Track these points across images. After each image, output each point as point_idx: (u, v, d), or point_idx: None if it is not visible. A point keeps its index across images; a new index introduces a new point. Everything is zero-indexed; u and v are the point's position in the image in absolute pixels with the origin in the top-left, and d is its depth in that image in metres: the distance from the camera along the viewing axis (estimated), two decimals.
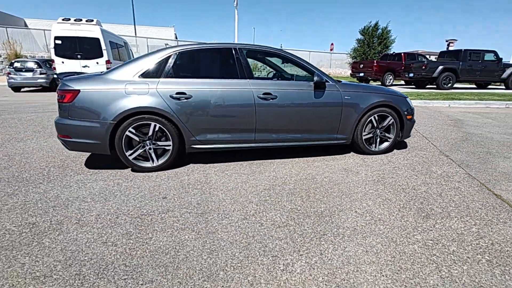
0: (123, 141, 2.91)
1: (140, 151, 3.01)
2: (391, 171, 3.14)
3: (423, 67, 12.97)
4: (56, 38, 10.08)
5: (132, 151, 2.99)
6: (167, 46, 3.54)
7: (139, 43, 22.93)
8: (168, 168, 3.13)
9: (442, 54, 14.77)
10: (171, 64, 3.04)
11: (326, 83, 3.33)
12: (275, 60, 3.84)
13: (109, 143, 2.90)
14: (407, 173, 3.09)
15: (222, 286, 1.48)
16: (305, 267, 1.63)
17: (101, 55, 10.41)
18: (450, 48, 29.85)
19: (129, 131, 2.92)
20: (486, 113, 7.50)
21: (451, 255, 1.73)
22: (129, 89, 2.88)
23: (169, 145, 3.04)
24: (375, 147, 3.71)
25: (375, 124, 3.62)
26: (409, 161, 3.51)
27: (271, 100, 3.16)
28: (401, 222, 2.10)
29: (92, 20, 10.48)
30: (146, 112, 2.91)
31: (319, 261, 1.67)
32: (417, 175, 3.04)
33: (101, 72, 3.16)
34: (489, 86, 15.90)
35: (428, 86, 14.70)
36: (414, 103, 8.24)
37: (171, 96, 2.94)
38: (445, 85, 13.05)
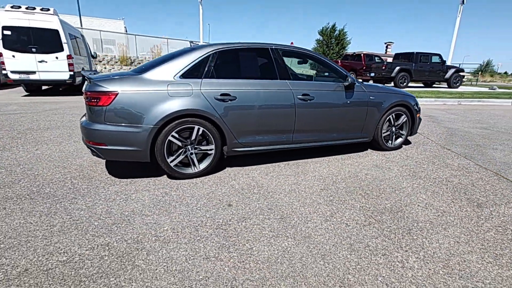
0: (165, 146, 2.69)
1: (181, 157, 2.82)
2: (416, 166, 3.42)
3: (383, 67, 14.16)
4: (4, 28, 8.70)
5: (173, 157, 2.78)
6: (196, 44, 3.32)
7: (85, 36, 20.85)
8: (208, 173, 2.98)
9: (397, 56, 16.26)
10: (212, 64, 2.89)
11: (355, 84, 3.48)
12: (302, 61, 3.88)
13: (150, 149, 2.66)
14: (431, 167, 3.39)
15: None
16: (419, 262, 1.72)
17: (61, 49, 9.26)
18: (389, 51, 32.98)
19: (172, 136, 2.71)
20: (447, 109, 8.51)
21: None
22: (172, 90, 2.67)
23: (212, 149, 2.90)
24: (391, 143, 4.00)
25: (392, 122, 3.90)
26: (423, 155, 3.86)
27: (308, 101, 3.20)
28: (463, 213, 2.32)
29: (49, 9, 9.25)
30: (191, 115, 2.73)
31: (427, 255, 1.78)
32: (440, 168, 3.37)
33: (132, 71, 2.87)
34: (433, 85, 17.99)
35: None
36: None
37: (216, 98, 2.80)
38: (402, 84, 14.41)
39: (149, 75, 2.70)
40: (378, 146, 3.95)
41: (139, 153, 2.65)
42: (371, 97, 3.60)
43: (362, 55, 17.19)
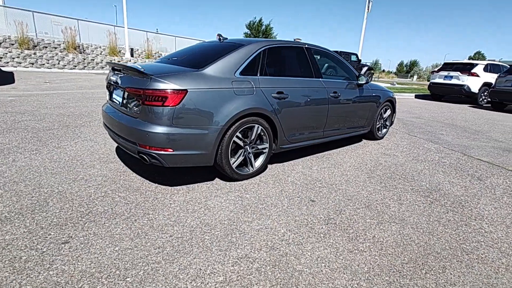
0: (230, 148, 2.55)
1: (242, 157, 2.71)
2: (411, 151, 4.13)
3: None
4: None
5: (235, 159, 2.65)
6: (248, 39, 3.10)
7: None
8: (260, 172, 2.94)
9: None
10: (264, 61, 2.83)
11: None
12: (325, 60, 4.07)
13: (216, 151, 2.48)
14: (421, 151, 4.15)
15: None
16: (489, 223, 2.23)
17: None
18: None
19: (236, 136, 2.58)
20: None
21: None
22: (237, 88, 2.53)
23: (266, 148, 2.87)
24: (381, 134, 4.66)
25: (383, 115, 4.55)
26: (404, 142, 4.65)
27: (337, 98, 3.48)
28: (477, 185, 3.01)
29: None
30: (253, 114, 2.64)
31: (489, 217, 2.31)
32: (427, 152, 4.15)
33: (189, 68, 2.56)
34: None
35: None
36: None
37: (273, 96, 2.77)
38: None
39: (210, 71, 2.48)
40: (372, 137, 4.56)
41: (205, 156, 2.44)
42: (373, 94, 4.13)
43: None
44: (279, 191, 2.60)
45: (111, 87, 2.83)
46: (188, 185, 2.60)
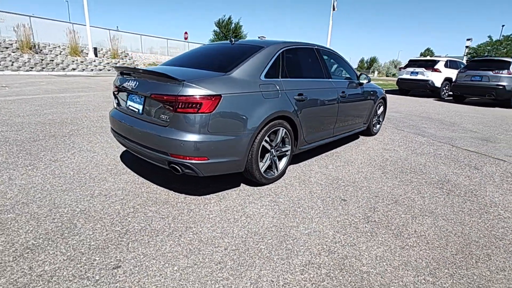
0: (259, 152, 2.50)
1: (268, 161, 2.67)
2: (407, 145, 4.37)
3: None
4: None
5: (263, 163, 2.61)
6: (264, 39, 3.02)
7: None
8: (282, 175, 2.92)
9: None
10: (284, 63, 2.80)
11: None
12: (330, 61, 4.12)
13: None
14: (416, 145, 4.41)
15: None
16: (500, 208, 2.44)
17: None
18: None
19: (265, 140, 2.54)
20: None
21: None
22: (265, 92, 2.48)
23: (288, 150, 2.86)
24: (375, 129, 4.88)
25: (377, 112, 4.76)
26: (397, 136, 4.91)
27: (345, 98, 3.57)
28: (478, 175, 3.28)
29: None
30: (280, 117, 2.61)
31: (492, 202, 2.53)
32: (422, 145, 4.42)
33: (216, 72, 2.44)
34: None
35: None
36: None
37: (295, 98, 2.77)
38: None
39: (238, 74, 2.40)
40: (368, 133, 4.75)
41: (237, 163, 2.36)
42: (371, 92, 4.30)
43: None
44: (308, 193, 2.61)
45: (122, 93, 2.63)
46: (217, 194, 2.50)
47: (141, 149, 2.35)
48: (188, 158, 2.13)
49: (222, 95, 2.16)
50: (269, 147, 2.63)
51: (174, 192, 2.48)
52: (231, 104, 2.22)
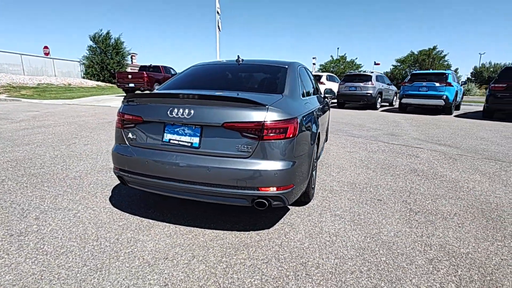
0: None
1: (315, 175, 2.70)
2: (372, 148, 5.21)
3: None
4: None
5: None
6: (278, 61, 2.86)
7: None
8: None
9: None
10: (301, 83, 2.91)
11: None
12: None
13: None
14: (364, 145, 5.31)
15: None
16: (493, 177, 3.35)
17: None
18: (134, 61, 35.52)
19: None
20: None
21: None
22: (313, 111, 2.55)
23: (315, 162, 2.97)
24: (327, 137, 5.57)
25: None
26: (350, 143, 5.76)
27: (320, 111, 3.96)
28: (458, 166, 4.30)
29: None
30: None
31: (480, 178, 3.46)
32: (383, 147, 5.37)
33: (267, 94, 2.28)
34: None
35: None
36: None
37: (316, 115, 2.92)
38: None
39: (289, 95, 2.36)
40: (325, 139, 5.38)
41: (305, 184, 2.31)
42: (325, 103, 4.92)
43: (160, 66, 17.74)
44: (347, 199, 2.80)
45: (145, 125, 2.11)
46: (283, 221, 2.35)
47: (201, 189, 1.96)
48: (281, 188, 1.95)
49: (298, 117, 2.10)
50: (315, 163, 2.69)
51: (239, 232, 2.17)
52: (302, 126, 2.17)
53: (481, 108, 11.07)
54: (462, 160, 4.39)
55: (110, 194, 2.83)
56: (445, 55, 38.82)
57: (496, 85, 9.14)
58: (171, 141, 2.06)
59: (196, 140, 2.00)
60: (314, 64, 53.87)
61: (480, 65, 56.24)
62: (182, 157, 2.01)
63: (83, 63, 22.47)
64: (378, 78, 13.12)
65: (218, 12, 23.19)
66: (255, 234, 2.15)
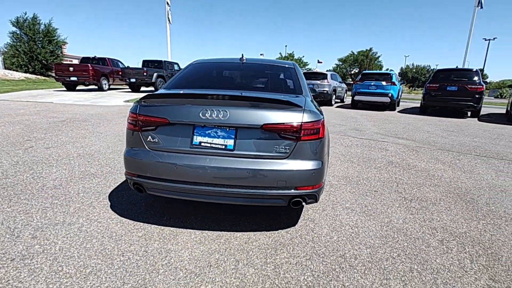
0: None
1: None
2: (337, 142, 5.55)
3: (144, 74, 14.63)
4: None
5: None
6: (281, 61, 2.73)
7: None
8: None
9: (145, 63, 17.01)
10: None
11: None
12: None
13: None
14: (339, 140, 5.67)
15: None
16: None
17: None
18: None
19: None
20: None
21: None
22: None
23: None
24: None
25: None
26: None
27: None
28: (427, 155, 4.80)
29: None
30: None
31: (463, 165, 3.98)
32: (341, 139, 5.75)
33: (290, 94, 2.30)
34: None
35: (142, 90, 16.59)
36: None
37: None
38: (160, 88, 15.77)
39: (308, 95, 2.44)
40: None
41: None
42: None
43: (106, 59, 16.18)
44: (349, 192, 3.02)
45: (168, 127, 1.99)
46: (303, 219, 2.43)
47: (237, 191, 1.94)
48: (316, 186, 2.02)
49: (323, 117, 2.19)
50: None
51: (272, 232, 2.19)
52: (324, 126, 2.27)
53: (415, 105, 12.69)
54: (422, 151, 5.02)
55: (109, 203, 2.57)
56: (379, 56, 43.28)
57: (431, 85, 10.56)
58: (202, 143, 1.97)
59: (230, 142, 1.95)
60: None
61: (405, 66, 64.04)
62: (216, 160, 1.94)
63: (4, 52, 19.24)
64: (332, 76, 14.08)
65: (168, 3, 22.12)
66: (285, 232, 2.20)
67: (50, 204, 2.50)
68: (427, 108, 11.16)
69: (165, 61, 16.56)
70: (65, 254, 1.83)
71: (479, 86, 9.86)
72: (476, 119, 10.07)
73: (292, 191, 1.96)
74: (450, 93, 10.18)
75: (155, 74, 15.12)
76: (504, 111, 12.48)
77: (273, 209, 2.53)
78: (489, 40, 40.28)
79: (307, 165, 1.97)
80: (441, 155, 4.81)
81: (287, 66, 2.88)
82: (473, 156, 4.77)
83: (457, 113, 11.25)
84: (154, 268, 1.74)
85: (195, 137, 1.98)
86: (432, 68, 60.45)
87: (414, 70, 62.39)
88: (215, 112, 1.92)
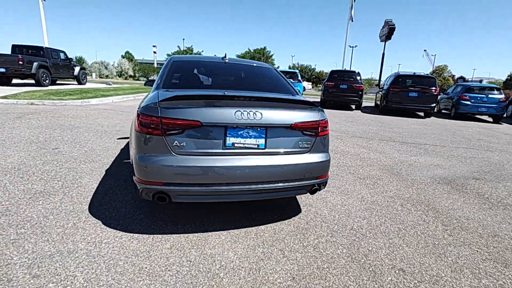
0: None
1: None
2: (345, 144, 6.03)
3: (20, 62, 11.60)
4: None
5: None
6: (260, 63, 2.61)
7: None
8: None
9: (15, 49, 13.35)
10: None
11: None
12: None
13: None
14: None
15: None
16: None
17: None
18: None
19: None
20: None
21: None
22: None
23: None
24: None
25: None
26: None
27: None
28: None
29: None
30: None
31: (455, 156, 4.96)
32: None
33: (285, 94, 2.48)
34: (62, 82, 17.09)
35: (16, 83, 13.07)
36: (47, 103, 9.11)
37: None
38: (45, 82, 12.87)
39: (301, 95, 2.71)
40: None
41: None
42: None
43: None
44: (344, 183, 3.52)
45: (216, 129, 1.95)
46: (302, 207, 2.74)
47: (269, 187, 2.09)
48: (327, 175, 2.36)
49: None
50: None
51: (287, 221, 2.41)
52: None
53: (313, 99, 14.80)
54: (344, 139, 6.11)
55: (99, 221, 2.21)
56: (272, 55, 47.50)
57: (328, 83, 12.59)
58: (235, 144, 1.99)
59: (262, 141, 2.05)
60: (155, 52, 51.52)
61: (292, 65, 72.60)
62: (251, 159, 2.01)
63: None
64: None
65: None
66: (298, 219, 2.46)
67: (17, 235, 1.96)
68: (326, 102, 13.25)
69: (47, 48, 13.52)
70: (97, 284, 1.56)
71: (361, 85, 12.42)
72: (359, 111, 12.64)
73: (314, 180, 2.24)
74: (342, 90, 12.42)
75: (35, 64, 12.20)
76: (373, 104, 16.09)
77: (273, 202, 2.73)
78: (352, 47, 50.10)
79: (323, 157, 2.28)
80: (358, 141, 6.00)
81: (267, 67, 3.09)
82: (377, 141, 6.15)
83: (347, 107, 13.80)
84: (212, 274, 1.71)
85: (227, 138, 1.98)
86: (313, 67, 70.65)
87: (299, 68, 71.40)
88: (249, 113, 1.98)
